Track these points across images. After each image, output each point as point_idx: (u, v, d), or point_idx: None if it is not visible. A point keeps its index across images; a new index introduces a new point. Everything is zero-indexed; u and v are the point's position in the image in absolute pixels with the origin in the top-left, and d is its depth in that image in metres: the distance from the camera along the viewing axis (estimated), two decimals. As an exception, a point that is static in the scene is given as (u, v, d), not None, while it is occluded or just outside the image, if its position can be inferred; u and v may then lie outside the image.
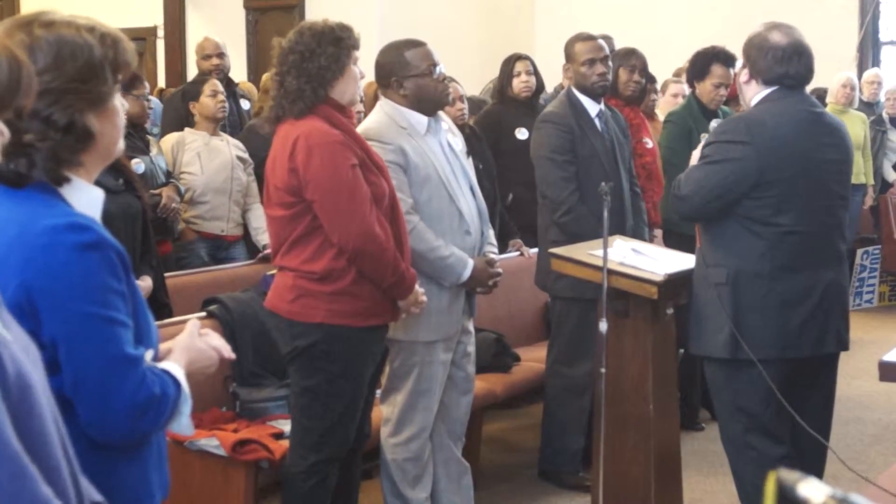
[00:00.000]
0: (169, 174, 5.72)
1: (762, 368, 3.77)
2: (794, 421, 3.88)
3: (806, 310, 3.85)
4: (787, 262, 3.82)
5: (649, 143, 6.09)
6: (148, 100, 5.87)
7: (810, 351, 3.90)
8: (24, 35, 1.95)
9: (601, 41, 5.18)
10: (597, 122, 5.12)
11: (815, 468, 4.02)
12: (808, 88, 4.06)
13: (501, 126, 6.48)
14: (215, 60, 7.35)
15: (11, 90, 1.47)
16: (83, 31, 2.01)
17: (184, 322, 3.11)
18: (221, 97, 6.02)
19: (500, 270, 4.25)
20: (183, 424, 2.09)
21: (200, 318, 4.50)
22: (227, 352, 2.28)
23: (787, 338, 3.84)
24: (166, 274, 5.12)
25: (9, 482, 1.35)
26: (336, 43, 3.66)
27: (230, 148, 6.01)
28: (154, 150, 5.70)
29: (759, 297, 3.81)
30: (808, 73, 3.92)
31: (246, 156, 6.00)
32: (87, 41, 1.99)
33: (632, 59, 6.01)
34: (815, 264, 3.88)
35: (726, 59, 5.87)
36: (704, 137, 4.16)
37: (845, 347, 4.03)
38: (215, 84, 6.08)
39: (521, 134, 6.40)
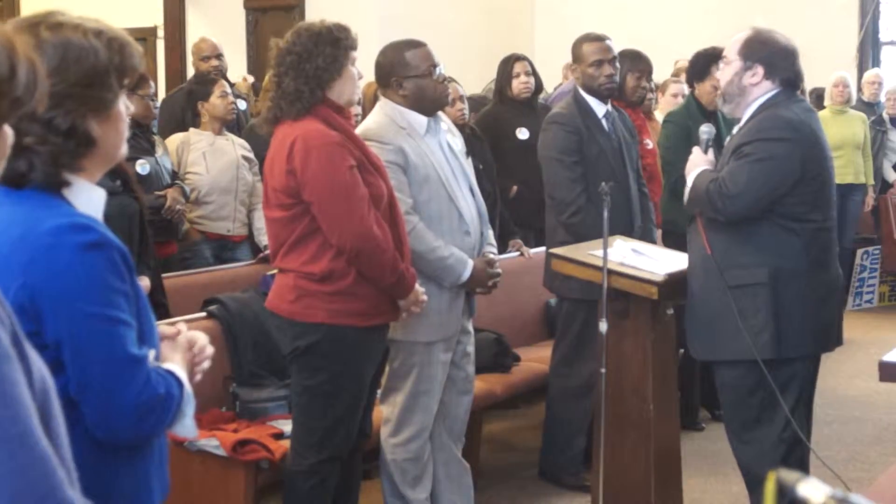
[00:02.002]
0: (174, 174, 5.71)
1: (796, 367, 3.83)
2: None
3: (833, 305, 3.97)
4: (820, 258, 3.89)
5: (650, 144, 6.09)
6: (153, 100, 5.86)
7: (835, 345, 4.00)
8: (30, 37, 1.93)
9: (609, 42, 5.17)
10: (604, 122, 5.12)
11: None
12: (807, 88, 4.11)
13: (501, 126, 6.48)
14: (214, 62, 7.35)
15: (29, 91, 1.47)
16: (90, 34, 1.99)
17: (183, 322, 3.10)
18: (231, 98, 6.02)
19: (499, 271, 4.25)
20: (187, 426, 2.09)
21: (200, 319, 4.52)
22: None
23: (821, 332, 3.92)
24: (168, 274, 5.12)
25: (42, 481, 1.37)
26: (333, 44, 3.65)
27: (236, 148, 6.00)
28: (159, 151, 5.69)
29: (799, 294, 3.85)
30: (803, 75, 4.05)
31: (251, 155, 5.97)
32: (92, 45, 1.98)
33: (640, 64, 6.01)
34: (834, 259, 4.00)
35: None
36: (704, 133, 4.13)
37: (842, 341, 4.17)
38: (224, 85, 6.05)
39: (522, 134, 6.40)
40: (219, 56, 7.39)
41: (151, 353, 2.03)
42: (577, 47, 5.17)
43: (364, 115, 4.85)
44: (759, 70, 3.91)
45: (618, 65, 5.17)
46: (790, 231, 3.84)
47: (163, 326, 2.23)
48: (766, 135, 3.86)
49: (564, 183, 4.98)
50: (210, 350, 2.24)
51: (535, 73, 6.60)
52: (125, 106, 2.05)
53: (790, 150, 3.81)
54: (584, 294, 4.82)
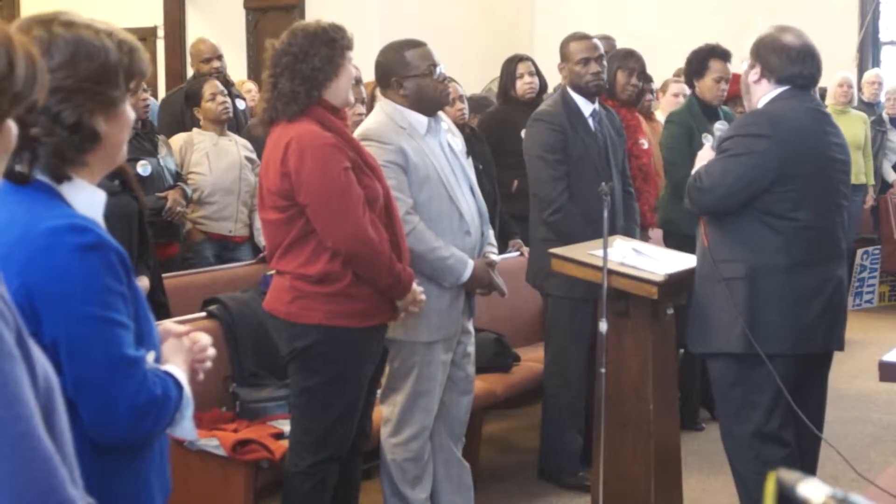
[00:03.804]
0: (178, 175, 5.71)
1: (770, 364, 3.80)
2: (795, 419, 3.91)
3: (818, 305, 3.91)
4: (803, 257, 3.87)
5: (645, 144, 6.08)
6: (145, 90, 5.84)
7: (821, 347, 3.98)
8: (43, 31, 1.97)
9: (596, 40, 5.20)
10: (590, 121, 5.12)
11: (810, 467, 4.06)
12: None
13: (506, 127, 6.47)
14: (215, 63, 7.32)
15: (29, 85, 1.48)
16: (102, 34, 2.02)
17: (183, 322, 3.10)
18: (221, 98, 6.00)
19: (504, 289, 4.25)
20: (185, 428, 2.09)
21: (200, 319, 4.52)
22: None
23: (800, 333, 3.89)
24: (168, 274, 5.12)
25: (44, 479, 1.37)
26: (329, 44, 3.65)
27: (239, 148, 6.00)
28: (163, 152, 5.69)
29: (775, 291, 3.85)
30: (817, 75, 4.02)
31: (254, 156, 5.98)
32: (104, 44, 2.01)
33: (630, 61, 6.01)
34: (826, 260, 3.96)
35: (723, 54, 5.90)
36: (707, 138, 4.16)
37: (843, 347, 4.09)
38: (214, 86, 6.04)
39: (526, 136, 6.39)
40: (219, 57, 7.36)
41: (151, 355, 2.03)
42: (564, 46, 5.20)
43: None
44: (758, 69, 3.95)
45: (605, 63, 5.19)
46: (770, 228, 3.85)
47: (171, 324, 2.23)
48: (744, 131, 3.91)
49: (547, 180, 5.00)
50: (212, 352, 2.24)
51: (538, 74, 6.60)
52: (130, 109, 2.07)
53: (768, 146, 3.81)
54: (568, 291, 4.83)
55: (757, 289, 3.84)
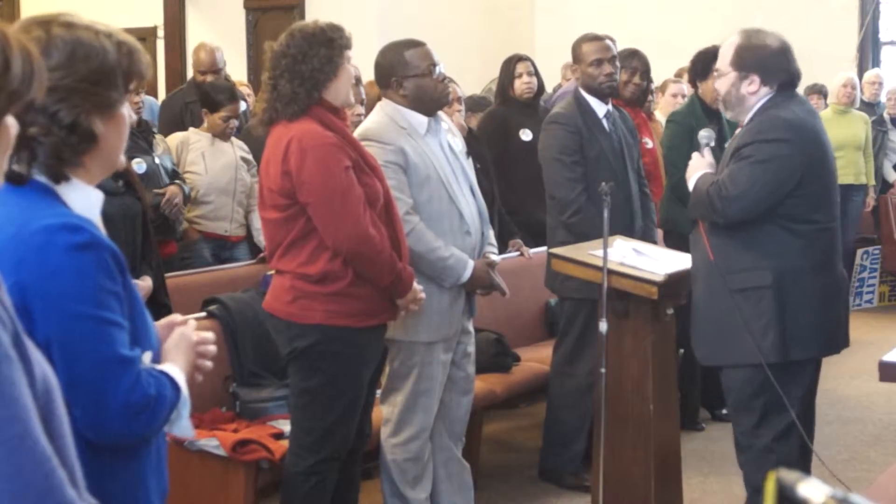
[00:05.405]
0: (175, 174, 5.71)
1: (801, 370, 3.82)
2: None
3: (839, 306, 3.94)
4: (822, 258, 3.87)
5: (649, 144, 6.08)
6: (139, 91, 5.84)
7: (844, 346, 3.98)
8: (41, 32, 1.98)
9: (608, 41, 5.18)
10: (604, 122, 5.12)
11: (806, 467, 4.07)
12: (808, 85, 4.10)
13: (505, 127, 6.47)
14: (209, 77, 7.23)
15: (25, 82, 1.48)
16: (101, 35, 2.02)
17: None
18: (234, 123, 6.01)
19: (505, 289, 4.24)
20: (183, 427, 2.08)
21: (200, 318, 4.51)
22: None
23: (828, 334, 3.90)
24: (168, 274, 5.12)
25: (42, 481, 1.37)
26: (328, 44, 3.65)
27: (234, 149, 6.02)
28: (159, 150, 5.68)
29: (803, 295, 3.82)
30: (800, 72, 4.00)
31: (250, 157, 5.99)
32: (102, 45, 2.01)
33: (633, 61, 6.00)
34: (838, 260, 3.98)
35: None
36: (704, 137, 4.12)
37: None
38: (234, 110, 5.98)
39: (525, 135, 6.39)
40: (216, 71, 7.25)
41: (147, 355, 2.03)
42: (576, 47, 5.18)
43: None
44: (756, 78, 3.86)
45: (618, 64, 5.18)
46: (791, 232, 3.81)
47: (174, 316, 2.23)
48: (765, 136, 3.82)
49: (564, 183, 4.99)
50: (212, 349, 2.24)
51: (537, 74, 6.60)
52: (128, 111, 2.06)
53: (790, 152, 3.78)
54: (585, 294, 4.82)
55: (786, 295, 3.80)
